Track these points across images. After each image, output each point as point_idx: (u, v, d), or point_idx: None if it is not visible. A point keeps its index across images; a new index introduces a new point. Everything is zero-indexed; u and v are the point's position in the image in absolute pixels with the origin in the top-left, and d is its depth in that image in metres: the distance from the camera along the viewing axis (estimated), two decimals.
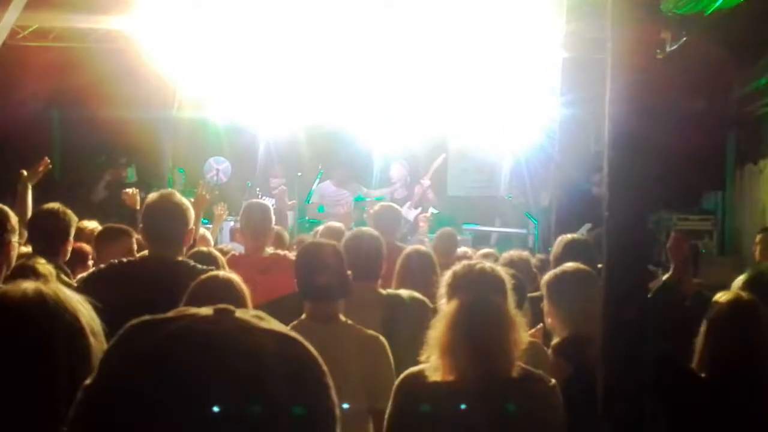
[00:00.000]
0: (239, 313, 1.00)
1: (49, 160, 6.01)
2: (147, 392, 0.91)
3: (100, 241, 5.27)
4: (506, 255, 5.83)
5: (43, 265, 4.18)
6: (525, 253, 6.02)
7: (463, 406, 2.87)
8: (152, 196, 4.14)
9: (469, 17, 8.34)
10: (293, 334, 1.02)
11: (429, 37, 8.53)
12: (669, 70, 8.43)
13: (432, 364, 2.93)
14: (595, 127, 10.36)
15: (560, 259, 5.38)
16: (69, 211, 4.81)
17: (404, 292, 4.51)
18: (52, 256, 4.45)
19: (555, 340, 4.07)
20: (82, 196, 5.20)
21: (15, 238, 4.00)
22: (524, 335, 2.98)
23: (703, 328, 3.53)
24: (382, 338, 3.72)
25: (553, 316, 4.10)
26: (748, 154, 11.39)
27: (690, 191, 11.71)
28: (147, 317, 1.00)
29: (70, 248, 4.78)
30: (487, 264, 3.31)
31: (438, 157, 11.77)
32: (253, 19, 8.26)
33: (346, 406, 3.48)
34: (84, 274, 4.51)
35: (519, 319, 3.02)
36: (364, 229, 5.00)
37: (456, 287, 3.22)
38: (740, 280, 4.37)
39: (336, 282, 3.72)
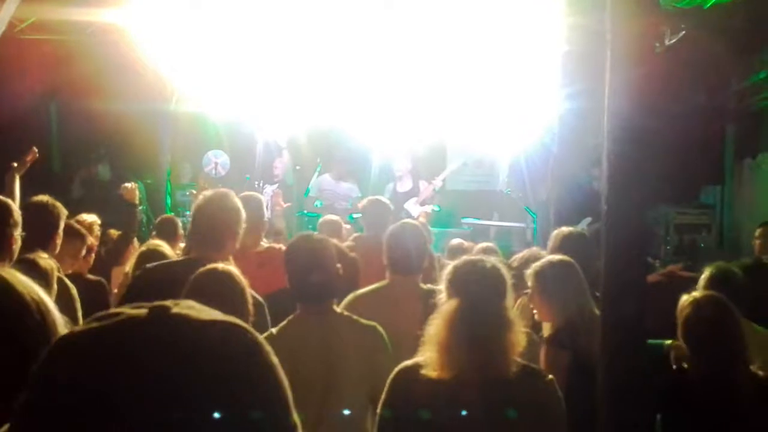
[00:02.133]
0: (176, 308, 0.97)
1: (36, 150, 5.96)
2: (78, 408, 0.89)
3: None
4: (524, 254, 5.75)
5: (44, 259, 4.17)
6: (543, 252, 5.92)
7: (463, 412, 2.86)
8: (203, 195, 4.12)
9: (468, 10, 8.32)
10: (233, 320, 1.00)
11: (428, 31, 8.51)
12: (668, 64, 8.42)
13: (428, 360, 2.93)
14: (595, 121, 10.34)
15: (558, 253, 5.37)
16: (58, 204, 4.78)
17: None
18: (41, 249, 4.43)
19: (547, 332, 4.08)
20: (58, 193, 5.16)
21: (17, 232, 4.00)
22: (522, 336, 2.97)
23: (678, 332, 3.58)
24: (379, 328, 3.71)
25: (544, 307, 4.11)
26: (746, 147, 11.39)
27: (689, 185, 11.71)
28: (76, 329, 0.97)
29: (59, 241, 4.76)
30: (489, 261, 3.29)
31: (442, 156, 11.77)
32: (251, 13, 8.24)
33: (346, 412, 3.50)
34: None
35: (517, 320, 3.02)
36: (407, 221, 4.95)
37: (456, 284, 3.20)
38: (704, 278, 4.39)
39: (328, 280, 3.70)
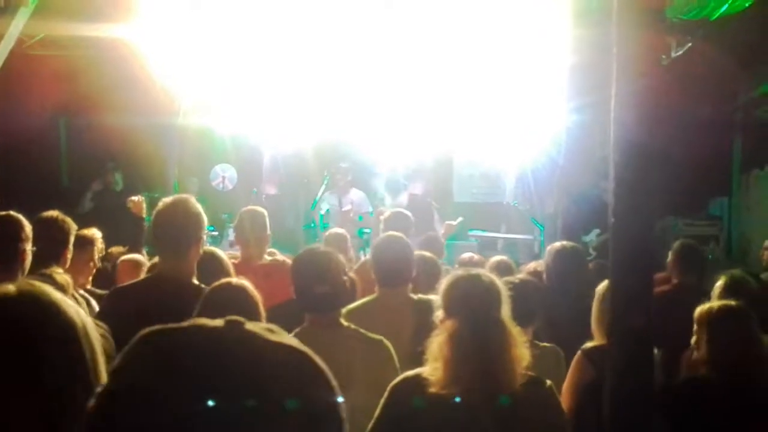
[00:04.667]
0: (249, 325, 1.02)
1: None
2: (159, 395, 0.93)
3: None
4: (529, 267, 5.79)
5: (60, 274, 4.18)
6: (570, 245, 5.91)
7: (465, 416, 2.85)
8: (163, 202, 4.02)
9: (475, 23, 8.34)
10: (303, 348, 1.04)
11: (434, 44, 8.54)
12: (674, 76, 8.43)
13: (432, 377, 2.91)
14: (601, 133, 10.36)
15: (551, 268, 5.40)
16: (68, 219, 4.81)
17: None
18: (54, 264, 4.44)
19: (589, 344, 4.11)
20: (67, 208, 5.19)
21: (29, 247, 4.02)
22: (525, 351, 2.96)
23: (697, 335, 3.57)
24: (386, 342, 3.70)
25: (599, 321, 4.15)
26: (753, 159, 11.38)
27: (696, 196, 11.69)
28: (159, 326, 1.02)
29: (69, 256, 4.78)
30: (485, 274, 3.28)
31: (449, 168, 11.82)
32: (257, 27, 8.29)
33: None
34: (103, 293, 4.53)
35: (519, 335, 3.00)
36: (393, 234, 4.97)
37: (453, 298, 3.18)
38: (719, 286, 4.40)
39: (334, 292, 3.70)
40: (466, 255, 7.31)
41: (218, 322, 1.01)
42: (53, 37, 9.41)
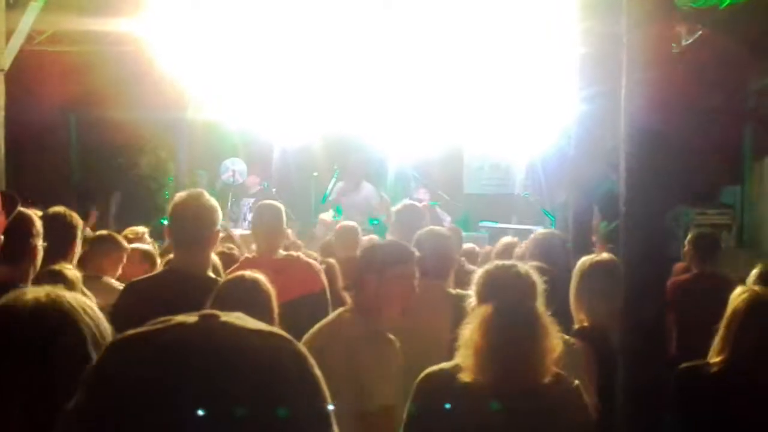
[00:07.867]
0: (224, 316, 1.01)
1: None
2: (137, 410, 0.91)
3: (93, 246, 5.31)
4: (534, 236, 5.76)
5: (70, 270, 4.19)
6: (556, 232, 5.92)
7: (492, 407, 2.84)
8: (178, 196, 4.04)
9: (484, 14, 8.32)
10: (278, 330, 1.03)
11: (444, 36, 8.52)
12: (684, 65, 8.38)
13: (461, 364, 2.91)
14: (612, 123, 10.30)
15: (532, 253, 5.37)
16: (74, 215, 4.81)
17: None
18: (62, 260, 4.45)
19: (575, 326, 4.10)
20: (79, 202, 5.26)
21: (40, 242, 4.03)
22: (557, 342, 2.95)
23: (723, 323, 3.52)
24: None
25: (574, 304, 4.14)
26: (765, 147, 11.31)
27: (708, 185, 11.64)
28: (129, 332, 1.00)
29: (77, 251, 4.80)
30: (522, 266, 3.28)
31: (459, 160, 11.80)
32: (266, 22, 8.28)
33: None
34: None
35: (552, 325, 2.99)
36: (436, 228, 5.04)
37: (488, 288, 3.19)
38: (754, 274, 4.38)
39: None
40: (468, 246, 7.36)
41: (192, 319, 1.00)
42: (63, 33, 9.42)
